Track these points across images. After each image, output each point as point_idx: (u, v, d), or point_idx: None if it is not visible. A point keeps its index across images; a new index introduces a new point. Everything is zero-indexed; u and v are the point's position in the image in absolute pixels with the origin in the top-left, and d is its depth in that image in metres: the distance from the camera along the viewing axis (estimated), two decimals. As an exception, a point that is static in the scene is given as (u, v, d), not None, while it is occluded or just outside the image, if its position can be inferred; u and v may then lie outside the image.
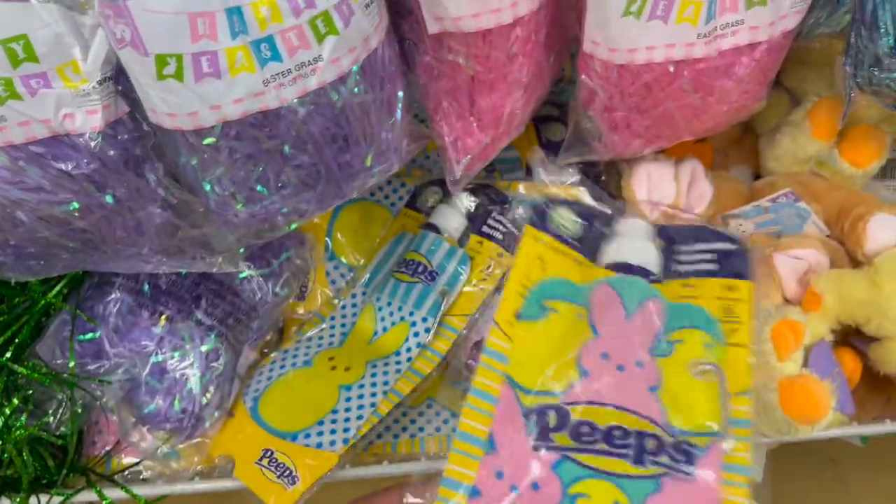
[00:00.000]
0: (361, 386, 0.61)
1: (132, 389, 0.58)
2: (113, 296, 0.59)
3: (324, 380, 0.63)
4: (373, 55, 0.46)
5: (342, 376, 0.63)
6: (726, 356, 0.46)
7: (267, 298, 0.65)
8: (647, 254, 0.52)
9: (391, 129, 0.50)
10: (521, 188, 0.63)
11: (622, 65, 0.51)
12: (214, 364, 0.60)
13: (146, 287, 0.60)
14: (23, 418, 0.55)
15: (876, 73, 0.52)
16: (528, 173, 0.69)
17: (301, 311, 0.71)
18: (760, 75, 0.56)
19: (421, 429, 0.64)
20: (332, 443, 0.57)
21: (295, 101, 0.43)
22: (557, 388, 0.44)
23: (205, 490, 0.59)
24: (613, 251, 0.52)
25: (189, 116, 0.42)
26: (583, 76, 0.54)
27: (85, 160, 0.43)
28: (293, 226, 0.51)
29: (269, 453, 0.58)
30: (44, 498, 0.56)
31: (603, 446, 0.41)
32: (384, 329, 0.66)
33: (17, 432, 0.55)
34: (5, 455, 0.55)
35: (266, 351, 0.68)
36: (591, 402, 0.43)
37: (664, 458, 0.41)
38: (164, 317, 0.59)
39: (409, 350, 0.63)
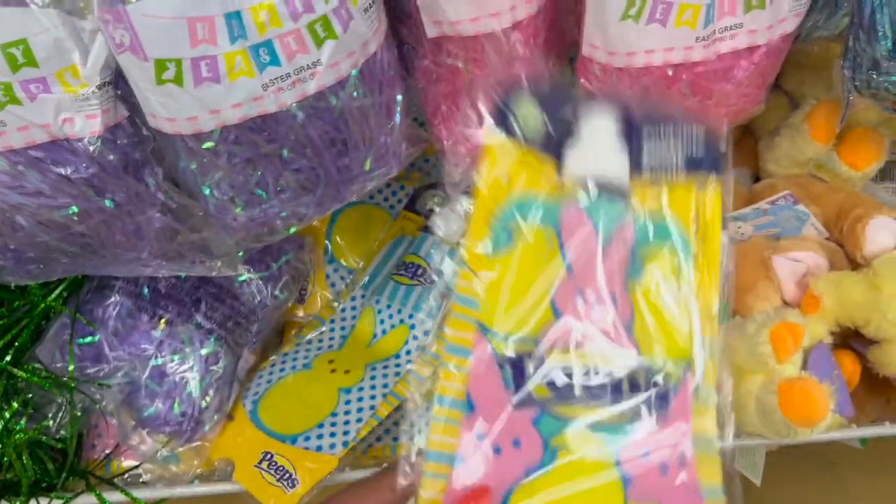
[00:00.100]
0: (361, 389, 0.61)
1: (132, 393, 0.59)
2: (112, 299, 0.59)
3: (323, 383, 0.63)
4: (372, 59, 0.46)
5: (342, 379, 0.63)
6: (696, 273, 0.43)
7: (266, 302, 0.65)
8: (618, 167, 0.46)
9: (390, 132, 0.50)
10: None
11: (621, 68, 0.51)
12: (214, 367, 0.60)
13: (146, 291, 0.60)
14: (22, 422, 0.55)
15: (874, 76, 0.52)
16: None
17: (301, 314, 0.72)
18: (759, 79, 0.56)
19: (420, 432, 0.64)
20: (332, 446, 0.57)
21: (294, 105, 0.43)
22: (532, 332, 0.41)
23: (204, 493, 0.59)
24: (582, 163, 0.46)
25: (188, 121, 0.42)
26: (581, 80, 0.54)
27: (84, 164, 0.43)
28: (292, 230, 0.51)
29: (268, 456, 0.58)
30: (44, 501, 0.56)
31: (580, 394, 0.40)
32: (384, 332, 0.66)
33: (17, 436, 0.55)
34: (5, 458, 0.55)
35: (266, 354, 0.68)
36: (566, 345, 0.41)
37: (640, 399, 0.40)
38: (163, 320, 0.59)
39: (408, 353, 0.63)
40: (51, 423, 0.57)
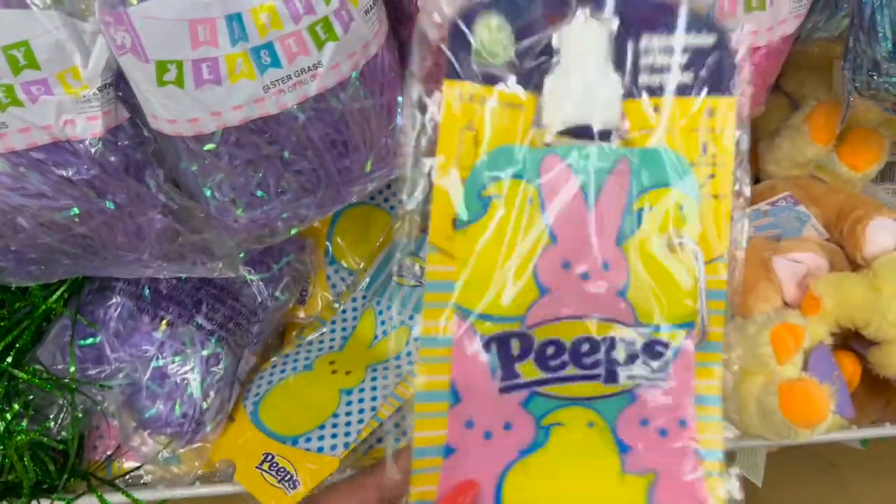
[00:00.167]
0: (362, 390, 0.61)
1: (133, 394, 0.59)
2: (113, 300, 0.59)
3: (324, 384, 0.63)
4: (373, 61, 0.46)
5: (343, 380, 0.63)
6: (702, 214, 0.37)
7: (267, 303, 0.65)
8: (609, 97, 0.37)
9: (391, 134, 0.50)
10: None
11: (621, 69, 0.51)
12: (215, 368, 0.60)
13: (147, 292, 0.60)
14: (24, 423, 0.55)
15: (874, 77, 0.52)
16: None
17: (301, 315, 0.72)
18: (759, 80, 0.56)
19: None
20: (333, 447, 0.57)
21: (295, 107, 0.43)
22: (515, 311, 0.36)
23: (205, 494, 0.59)
24: (562, 100, 0.36)
25: (189, 122, 0.42)
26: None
27: (85, 166, 0.43)
28: (293, 231, 0.51)
29: (269, 457, 0.58)
30: (45, 503, 0.56)
31: (572, 370, 0.37)
32: (385, 333, 0.66)
33: (19, 437, 0.55)
34: (6, 460, 0.55)
35: (266, 355, 0.68)
36: (554, 320, 0.37)
37: (637, 369, 0.37)
38: (164, 321, 0.59)
39: (409, 354, 0.63)
40: (52, 424, 0.57)
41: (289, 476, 0.56)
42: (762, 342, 0.54)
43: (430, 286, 0.36)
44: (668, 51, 0.36)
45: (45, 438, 0.56)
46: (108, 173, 0.44)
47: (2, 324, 0.58)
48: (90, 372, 0.58)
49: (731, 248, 0.38)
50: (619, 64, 0.36)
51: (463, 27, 0.35)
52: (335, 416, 0.60)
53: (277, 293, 0.66)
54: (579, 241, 0.36)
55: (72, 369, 0.57)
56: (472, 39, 0.35)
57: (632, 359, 0.37)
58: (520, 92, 0.36)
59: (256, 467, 0.57)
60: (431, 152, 0.37)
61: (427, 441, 0.37)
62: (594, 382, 0.37)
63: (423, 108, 0.37)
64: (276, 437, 0.59)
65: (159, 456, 0.59)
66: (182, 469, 0.60)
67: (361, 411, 0.60)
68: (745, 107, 0.37)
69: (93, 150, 0.43)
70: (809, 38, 0.58)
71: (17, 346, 0.57)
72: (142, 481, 0.60)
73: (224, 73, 0.41)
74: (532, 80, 0.36)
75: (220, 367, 0.60)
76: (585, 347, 0.37)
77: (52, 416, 0.57)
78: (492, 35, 0.36)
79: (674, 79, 0.36)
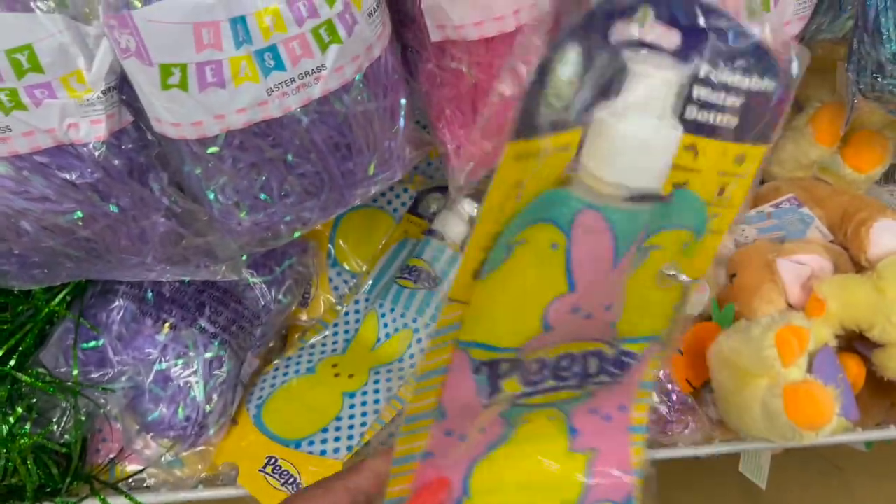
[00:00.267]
0: (365, 393, 0.61)
1: (136, 397, 0.58)
2: (116, 304, 0.59)
3: (327, 387, 0.63)
4: (376, 63, 0.46)
5: (346, 383, 0.63)
6: (698, 250, 0.36)
7: (270, 306, 0.65)
8: (663, 167, 0.32)
9: (394, 136, 0.50)
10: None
11: (625, 71, 0.51)
12: (218, 371, 0.60)
13: (149, 295, 0.60)
14: (27, 427, 0.55)
15: (879, 79, 0.52)
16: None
17: (304, 317, 0.71)
18: (763, 81, 0.56)
19: (424, 436, 0.64)
20: (336, 450, 0.57)
21: (298, 109, 0.43)
22: (515, 343, 0.36)
23: (208, 498, 0.59)
24: (614, 160, 0.32)
25: (193, 126, 0.42)
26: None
27: (89, 170, 0.43)
28: (296, 234, 0.51)
29: (272, 461, 0.58)
30: (48, 506, 0.56)
31: (550, 383, 0.39)
32: (387, 336, 0.66)
33: (22, 441, 0.55)
34: (10, 464, 0.55)
35: (269, 358, 0.68)
36: (546, 347, 0.38)
37: (603, 377, 0.39)
38: (167, 324, 0.59)
39: (412, 357, 0.63)
40: (55, 427, 0.57)
41: (292, 479, 0.56)
42: (766, 344, 0.54)
43: (439, 332, 0.36)
44: (729, 90, 0.32)
45: (49, 442, 0.56)
46: (111, 177, 0.44)
47: (5, 327, 0.58)
48: (93, 375, 0.58)
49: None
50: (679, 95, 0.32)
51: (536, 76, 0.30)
52: (338, 419, 0.60)
53: (280, 296, 0.66)
54: (597, 290, 0.35)
55: (75, 372, 0.57)
56: (546, 87, 0.30)
57: (601, 371, 0.39)
58: (570, 132, 0.31)
59: (259, 470, 0.57)
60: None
61: (407, 451, 0.38)
62: (565, 391, 0.39)
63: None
64: (280, 441, 0.59)
65: (162, 459, 0.59)
66: (185, 472, 0.60)
67: (364, 414, 0.60)
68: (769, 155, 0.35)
69: (96, 154, 0.43)
70: (813, 40, 0.58)
71: (20, 349, 0.57)
72: (145, 485, 0.60)
73: (228, 77, 0.40)
74: (584, 114, 0.31)
75: (223, 370, 0.60)
76: (565, 363, 0.38)
77: (55, 420, 0.57)
78: (566, 72, 0.30)
79: (724, 120, 0.33)
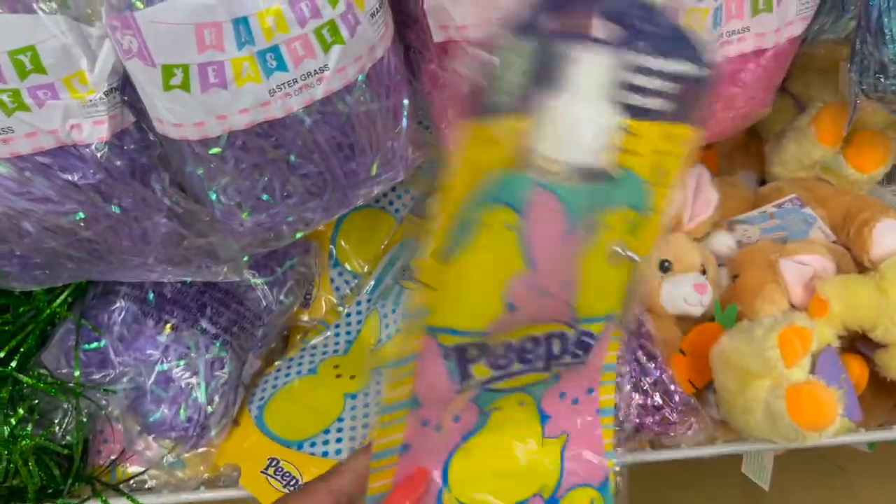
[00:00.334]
0: (367, 394, 0.61)
1: (137, 398, 0.58)
2: (118, 305, 0.59)
3: (329, 388, 0.63)
4: (378, 64, 0.46)
5: (347, 384, 0.62)
6: (643, 228, 0.39)
7: (272, 306, 0.65)
8: (604, 144, 0.37)
9: (397, 137, 0.50)
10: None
11: (628, 72, 0.51)
12: (219, 372, 0.60)
13: (151, 296, 0.60)
14: (28, 428, 0.55)
15: (882, 79, 0.52)
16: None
17: (305, 318, 0.71)
18: (766, 82, 0.56)
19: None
20: (338, 451, 0.57)
21: (301, 110, 0.43)
22: (480, 326, 0.38)
23: (210, 499, 0.59)
24: (560, 141, 0.36)
25: (195, 126, 0.42)
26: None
27: (91, 170, 0.43)
28: (299, 234, 0.51)
29: (274, 462, 0.58)
30: (49, 508, 0.56)
31: (517, 366, 0.40)
32: (389, 336, 0.66)
33: (23, 442, 0.54)
34: (11, 465, 0.54)
35: (271, 359, 0.68)
36: (510, 329, 0.40)
37: (567, 359, 0.41)
38: (169, 325, 0.59)
39: (414, 357, 0.63)
40: (57, 428, 0.57)
41: (294, 481, 0.56)
42: (769, 345, 0.54)
43: (407, 315, 0.40)
44: (660, 75, 0.36)
45: (50, 443, 0.56)
46: (113, 177, 0.44)
47: (6, 328, 0.58)
48: (94, 376, 0.57)
49: None
50: (612, 82, 0.36)
51: (486, 59, 0.35)
52: (340, 420, 0.59)
53: (282, 297, 0.66)
54: (553, 267, 0.38)
55: (76, 374, 0.57)
56: (493, 71, 0.35)
57: (564, 351, 0.41)
58: (521, 118, 0.36)
59: (261, 472, 0.57)
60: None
61: (386, 445, 0.39)
62: (532, 374, 0.41)
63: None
64: (281, 442, 0.59)
65: (164, 460, 0.59)
66: (187, 474, 0.60)
67: (366, 415, 0.60)
68: (700, 136, 0.39)
69: (99, 155, 0.43)
70: (816, 40, 0.57)
71: (22, 350, 0.57)
72: (146, 486, 0.60)
73: (230, 77, 0.40)
74: (533, 103, 0.35)
75: (224, 371, 0.60)
76: (530, 345, 0.40)
77: (56, 421, 0.57)
78: (512, 64, 0.35)
79: (658, 104, 0.36)
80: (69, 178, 0.43)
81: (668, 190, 0.39)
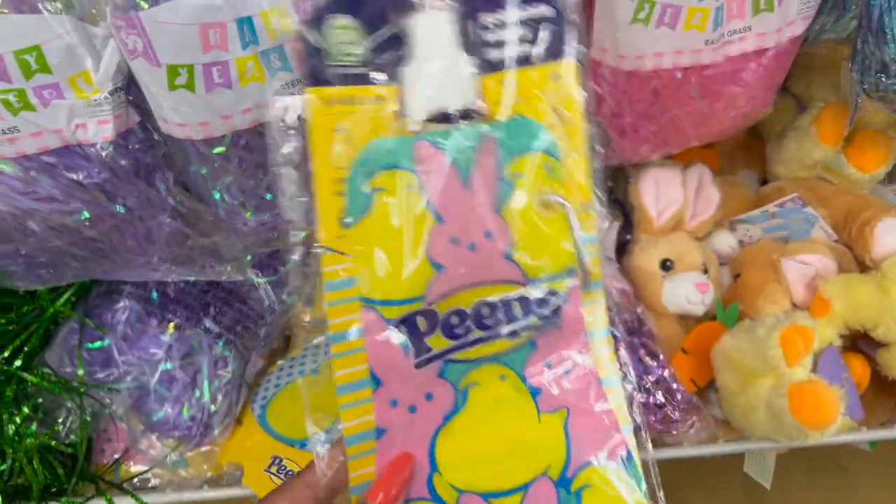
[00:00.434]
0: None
1: (141, 397, 0.59)
2: (121, 304, 0.59)
3: (332, 387, 0.63)
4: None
5: (350, 383, 0.63)
6: (567, 173, 0.40)
7: (275, 306, 0.65)
8: (463, 88, 0.39)
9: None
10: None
11: (630, 71, 0.51)
12: (223, 372, 0.60)
13: (154, 295, 0.60)
14: (33, 426, 0.55)
15: (883, 79, 0.52)
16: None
17: (308, 318, 0.71)
18: (768, 81, 0.56)
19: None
20: (341, 450, 0.57)
21: (304, 110, 0.43)
22: (416, 291, 0.39)
23: (213, 498, 0.59)
24: (420, 87, 0.38)
25: (200, 126, 0.42)
26: (591, 83, 0.54)
27: (96, 170, 0.43)
28: (302, 234, 0.51)
29: (277, 461, 0.58)
30: (53, 506, 0.56)
31: (477, 333, 0.40)
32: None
33: (28, 440, 0.55)
34: (16, 463, 0.55)
35: (274, 358, 0.68)
36: (452, 292, 0.39)
37: (534, 321, 0.40)
38: (172, 325, 0.59)
39: (416, 357, 0.63)
40: (61, 427, 0.57)
41: (297, 479, 0.56)
42: (772, 344, 0.54)
43: (330, 286, 0.39)
44: (506, 25, 0.39)
45: (54, 442, 0.56)
46: (118, 177, 0.44)
47: (10, 327, 0.58)
48: (98, 375, 0.58)
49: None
50: (467, 45, 0.39)
51: (308, 34, 0.37)
52: (343, 418, 0.60)
53: (284, 296, 0.66)
54: (462, 216, 0.39)
55: (80, 373, 0.57)
56: (322, 44, 0.37)
57: (527, 312, 0.40)
58: (381, 86, 0.38)
59: (265, 470, 0.57)
60: (304, 159, 0.39)
61: (356, 428, 0.39)
62: (498, 341, 0.40)
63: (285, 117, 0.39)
64: (284, 441, 0.59)
65: (167, 459, 0.59)
66: (190, 472, 0.60)
67: (369, 414, 0.60)
68: (585, 65, 0.40)
69: (103, 154, 0.43)
70: (817, 40, 0.58)
71: (26, 349, 0.57)
72: (150, 485, 0.60)
73: (234, 77, 0.41)
74: (391, 71, 0.38)
75: (227, 370, 0.60)
76: (485, 311, 0.39)
77: (60, 420, 0.57)
78: (342, 35, 0.37)
79: (515, 51, 0.39)
80: (74, 177, 0.43)
81: (575, 128, 0.40)
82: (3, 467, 0.55)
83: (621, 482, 0.40)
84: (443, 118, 0.39)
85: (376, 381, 0.39)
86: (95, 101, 0.41)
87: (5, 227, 0.45)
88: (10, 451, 0.54)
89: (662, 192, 0.65)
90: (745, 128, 0.63)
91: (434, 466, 0.39)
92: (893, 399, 0.63)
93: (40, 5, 0.38)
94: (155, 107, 0.42)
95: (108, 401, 0.58)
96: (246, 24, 0.39)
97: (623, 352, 0.44)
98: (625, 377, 0.56)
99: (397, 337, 0.39)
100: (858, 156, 0.67)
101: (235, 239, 0.50)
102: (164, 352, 0.58)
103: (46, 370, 0.57)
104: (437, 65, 0.38)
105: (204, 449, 0.60)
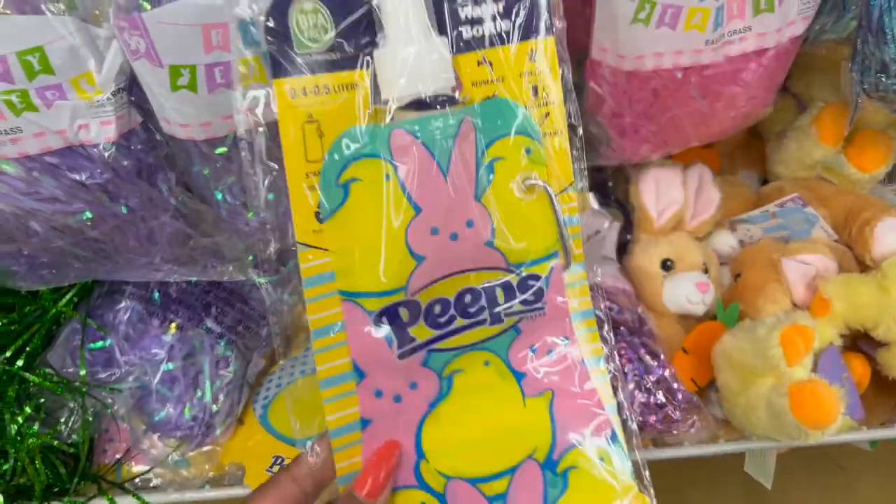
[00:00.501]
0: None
1: (143, 397, 0.59)
2: (123, 304, 0.59)
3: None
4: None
5: (351, 383, 0.63)
6: (548, 154, 0.39)
7: (276, 305, 0.65)
8: (439, 72, 0.37)
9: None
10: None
11: (631, 71, 0.52)
12: (224, 372, 0.60)
13: (156, 295, 0.60)
14: (35, 426, 0.56)
15: (883, 79, 0.52)
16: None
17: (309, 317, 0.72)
18: (768, 81, 0.56)
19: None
20: (343, 450, 0.57)
21: (306, 110, 0.43)
22: (397, 283, 0.38)
23: (215, 498, 0.59)
24: (393, 71, 0.36)
25: (202, 126, 0.42)
26: (591, 83, 0.55)
27: (99, 170, 0.43)
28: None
29: (279, 460, 0.58)
30: (56, 506, 0.56)
31: (460, 322, 0.39)
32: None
33: (30, 440, 0.55)
34: (18, 463, 0.55)
35: (275, 358, 0.68)
36: (434, 282, 0.38)
37: (517, 306, 0.39)
38: (174, 325, 0.59)
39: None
40: (63, 427, 0.57)
41: (299, 479, 0.56)
42: (772, 344, 0.54)
43: (309, 282, 0.38)
44: (481, 2, 0.37)
45: (56, 442, 0.56)
46: (120, 177, 0.44)
47: (12, 328, 0.58)
48: (100, 375, 0.58)
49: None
50: (441, 24, 0.37)
51: (272, 22, 0.36)
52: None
53: (286, 296, 0.66)
54: (441, 206, 0.38)
55: (82, 373, 0.57)
56: (289, 31, 0.36)
57: (510, 298, 0.39)
58: (352, 73, 0.37)
59: (266, 470, 0.57)
60: (275, 154, 0.38)
61: (341, 421, 0.38)
62: (481, 328, 0.39)
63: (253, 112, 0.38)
64: (286, 440, 0.59)
65: (169, 459, 0.59)
66: (192, 472, 0.60)
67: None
68: (563, 42, 0.39)
69: (106, 155, 0.43)
70: (817, 40, 0.58)
71: (28, 349, 0.57)
72: (151, 484, 0.60)
73: (237, 78, 0.41)
74: (362, 57, 0.37)
75: (229, 370, 0.60)
76: (468, 298, 0.39)
77: (62, 420, 0.57)
78: (309, 21, 0.36)
79: (491, 29, 0.38)
80: (77, 177, 0.43)
81: (553, 108, 0.39)
82: (6, 467, 0.55)
83: (607, 462, 0.40)
84: (418, 104, 0.37)
85: (360, 374, 0.38)
86: (98, 101, 0.41)
87: (8, 228, 0.45)
88: (13, 450, 0.55)
89: (663, 192, 0.65)
90: (746, 128, 0.63)
91: (421, 454, 0.39)
92: (894, 399, 0.63)
93: (43, 6, 0.38)
94: (157, 107, 0.42)
95: (109, 401, 0.58)
96: (248, 24, 0.39)
97: (607, 334, 0.42)
98: (625, 376, 0.56)
99: (380, 329, 0.38)
100: (858, 156, 0.67)
101: (237, 239, 0.50)
102: (166, 352, 0.59)
103: (48, 370, 0.57)
104: (409, 48, 0.36)
105: (206, 449, 0.60)
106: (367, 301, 0.38)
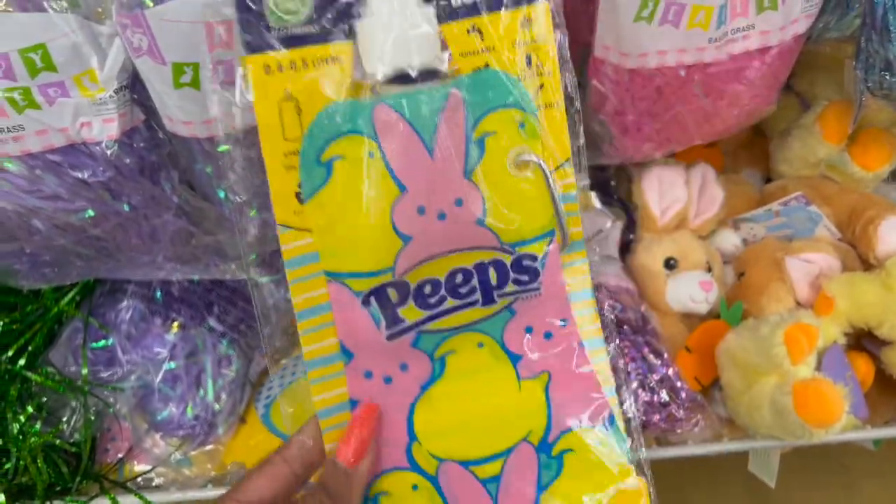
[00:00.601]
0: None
1: (145, 396, 0.59)
2: (125, 303, 0.59)
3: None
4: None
5: (354, 382, 0.63)
6: (543, 128, 0.37)
7: (279, 304, 0.65)
8: (425, 44, 0.35)
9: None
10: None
11: (633, 69, 0.51)
12: (227, 371, 0.60)
13: (158, 294, 0.60)
14: (37, 425, 0.56)
15: (887, 77, 0.52)
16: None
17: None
18: (771, 79, 0.56)
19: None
20: (345, 449, 0.57)
21: (309, 108, 0.43)
22: (384, 263, 0.36)
23: (217, 497, 0.59)
24: (376, 43, 0.34)
25: (205, 124, 0.42)
26: (594, 81, 0.54)
27: (101, 168, 0.43)
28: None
29: (281, 460, 0.58)
30: (58, 505, 0.56)
31: (451, 303, 0.37)
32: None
33: (32, 439, 0.55)
34: (20, 462, 0.55)
35: (277, 357, 0.68)
36: (422, 262, 0.37)
37: (510, 287, 0.38)
38: (176, 324, 0.59)
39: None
40: (65, 426, 0.57)
41: (301, 478, 0.56)
42: (776, 342, 0.54)
43: (291, 263, 0.37)
44: None
45: (58, 441, 0.56)
46: (123, 175, 0.44)
47: (14, 326, 0.58)
48: (102, 374, 0.58)
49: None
50: None
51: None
52: (347, 417, 0.60)
53: (288, 295, 0.66)
54: (427, 185, 0.36)
55: (84, 372, 0.57)
56: (262, 3, 0.34)
57: (503, 278, 0.38)
58: (331, 45, 0.35)
59: (269, 469, 0.57)
60: (251, 134, 0.36)
61: (329, 401, 0.38)
62: (474, 308, 0.38)
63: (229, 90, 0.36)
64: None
65: (171, 458, 0.59)
66: (194, 471, 0.60)
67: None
68: (559, 8, 0.37)
69: (108, 153, 0.43)
70: (821, 38, 0.58)
71: (30, 348, 0.57)
72: (153, 483, 0.60)
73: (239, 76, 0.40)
74: (341, 28, 0.35)
75: (231, 369, 0.60)
76: (459, 278, 0.37)
77: (64, 419, 0.57)
78: None
79: None
80: (79, 175, 0.43)
81: (549, 79, 0.37)
82: (8, 466, 0.55)
83: (604, 445, 0.39)
84: (403, 78, 0.35)
85: (348, 355, 0.38)
86: (100, 99, 0.41)
87: (10, 226, 0.45)
88: (15, 449, 0.55)
89: (666, 191, 0.65)
90: (749, 126, 0.63)
91: (413, 436, 0.39)
92: (897, 397, 0.63)
93: (46, 4, 0.38)
94: (160, 105, 0.42)
95: (111, 400, 0.58)
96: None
97: (605, 314, 0.41)
98: (629, 375, 0.56)
99: (367, 309, 0.37)
100: (862, 154, 0.67)
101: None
102: (168, 351, 0.58)
103: (50, 369, 0.57)
104: (394, 18, 0.34)
105: (208, 448, 0.60)
106: (354, 281, 0.37)
